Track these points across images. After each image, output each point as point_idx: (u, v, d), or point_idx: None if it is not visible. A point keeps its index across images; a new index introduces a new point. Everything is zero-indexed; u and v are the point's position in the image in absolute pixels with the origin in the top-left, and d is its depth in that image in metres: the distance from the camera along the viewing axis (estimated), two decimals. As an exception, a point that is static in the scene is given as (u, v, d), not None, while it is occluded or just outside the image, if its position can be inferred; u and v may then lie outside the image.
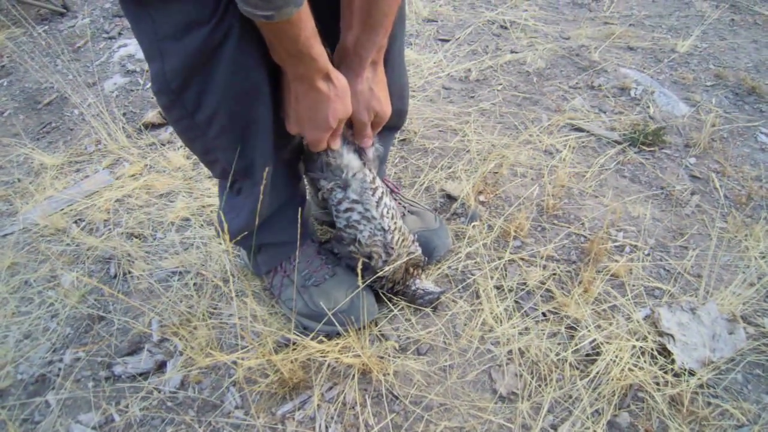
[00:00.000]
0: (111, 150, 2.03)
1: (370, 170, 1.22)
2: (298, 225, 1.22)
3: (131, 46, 2.72)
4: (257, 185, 1.13)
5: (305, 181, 1.39)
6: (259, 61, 0.97)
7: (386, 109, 1.14)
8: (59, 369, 1.32)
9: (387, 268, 1.25)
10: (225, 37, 0.91)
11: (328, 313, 1.22)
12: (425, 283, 1.35)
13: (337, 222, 1.25)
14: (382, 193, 1.24)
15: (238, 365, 1.21)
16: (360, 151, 1.20)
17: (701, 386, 1.19)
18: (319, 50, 0.92)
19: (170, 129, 2.11)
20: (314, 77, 0.96)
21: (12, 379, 1.32)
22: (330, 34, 1.02)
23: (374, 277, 1.26)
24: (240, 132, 1.07)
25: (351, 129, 1.17)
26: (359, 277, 1.17)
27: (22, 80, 2.61)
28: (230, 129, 1.06)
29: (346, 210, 1.21)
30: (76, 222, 1.73)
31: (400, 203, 1.48)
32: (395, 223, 1.26)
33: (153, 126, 2.15)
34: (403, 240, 1.27)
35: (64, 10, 3.14)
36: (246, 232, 1.22)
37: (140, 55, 2.62)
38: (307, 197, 1.40)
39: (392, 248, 1.24)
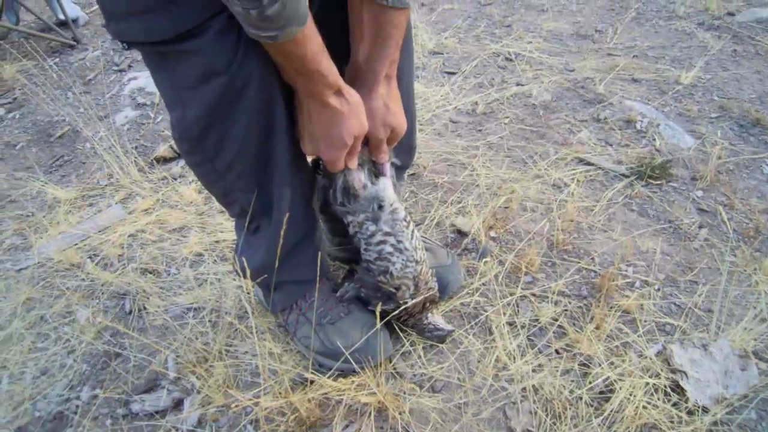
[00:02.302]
0: (123, 184, 2.06)
1: (402, 205, 1.23)
2: (318, 263, 1.24)
3: (141, 79, 2.77)
4: (275, 223, 1.15)
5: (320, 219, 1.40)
6: (278, 100, 1.00)
7: (402, 123, 1.13)
8: (77, 406, 1.33)
9: (410, 302, 1.25)
10: (245, 84, 0.94)
11: (345, 352, 1.23)
12: (437, 318, 1.37)
13: (367, 254, 1.24)
14: (414, 226, 1.25)
15: (257, 406, 1.22)
16: (379, 169, 1.20)
17: (715, 424, 1.20)
18: (327, 66, 0.92)
19: (181, 163, 2.14)
20: (325, 94, 0.95)
21: (30, 416, 1.33)
22: (340, 51, 1.03)
23: (397, 310, 1.26)
24: (258, 172, 1.09)
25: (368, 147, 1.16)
26: (377, 318, 1.19)
27: (34, 113, 2.65)
28: (250, 171, 1.08)
29: (379, 243, 1.20)
30: (90, 257, 1.75)
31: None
32: (423, 254, 1.27)
33: (164, 160, 2.18)
34: (428, 272, 1.28)
35: (75, 43, 3.19)
36: (266, 275, 1.23)
37: (150, 88, 2.67)
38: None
39: (421, 280, 1.25)
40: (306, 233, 1.27)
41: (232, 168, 1.07)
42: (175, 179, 2.07)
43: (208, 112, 0.97)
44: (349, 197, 1.18)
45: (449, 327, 1.37)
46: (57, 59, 3.07)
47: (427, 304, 1.32)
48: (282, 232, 1.11)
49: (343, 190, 1.18)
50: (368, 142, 1.14)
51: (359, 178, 1.15)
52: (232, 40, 0.88)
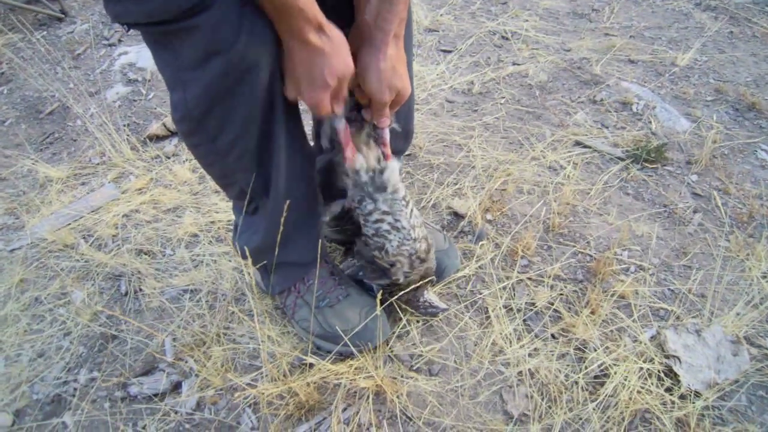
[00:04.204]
0: (116, 163, 2.03)
1: (402, 184, 1.22)
2: (318, 246, 1.24)
3: (132, 54, 2.71)
4: (274, 203, 1.15)
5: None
6: (278, 74, 0.98)
7: (407, 86, 1.09)
8: (74, 389, 1.34)
9: (402, 280, 1.26)
10: (249, 61, 0.92)
11: (343, 336, 1.24)
12: (432, 296, 1.38)
13: (365, 229, 1.24)
14: (413, 205, 1.25)
15: (258, 393, 1.23)
16: (378, 134, 1.17)
17: (707, 408, 1.22)
18: (306, 0, 0.87)
19: (175, 141, 2.12)
20: (305, 29, 0.90)
21: (28, 399, 1.33)
22: (345, 13, 1.02)
23: (396, 296, 1.27)
24: (259, 152, 1.08)
25: (358, 109, 1.13)
26: (377, 302, 1.19)
27: (22, 88, 2.60)
28: (250, 151, 1.07)
29: (377, 221, 1.20)
30: (84, 237, 1.74)
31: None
32: (421, 231, 1.27)
33: (157, 138, 2.16)
34: (426, 249, 1.28)
35: (63, 16, 3.12)
36: (265, 261, 1.23)
37: (141, 63, 2.62)
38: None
39: (417, 258, 1.25)
40: (306, 214, 1.27)
41: (233, 148, 1.06)
42: (169, 158, 2.05)
43: (211, 92, 0.96)
44: (352, 180, 1.17)
45: (443, 305, 1.37)
46: (44, 32, 3.00)
47: (422, 283, 1.33)
48: (283, 214, 1.11)
49: (346, 173, 1.17)
50: (370, 105, 1.11)
51: (361, 160, 1.14)
52: (236, 15, 0.87)
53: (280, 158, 1.10)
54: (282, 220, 1.14)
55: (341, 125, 1.11)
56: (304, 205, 1.24)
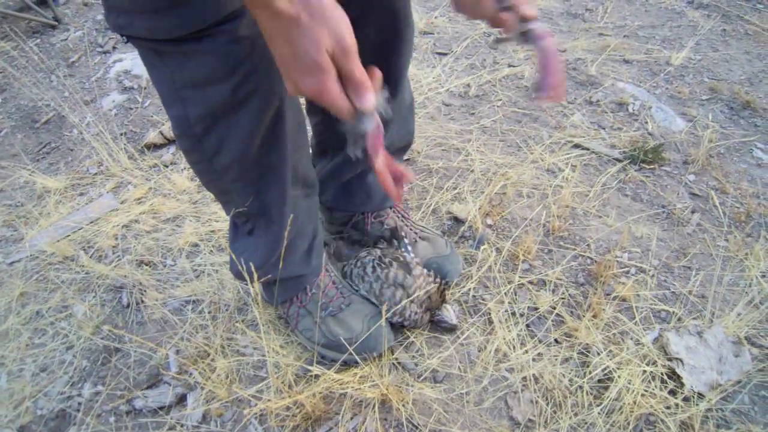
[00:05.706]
0: (114, 172, 2.03)
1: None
2: (321, 258, 1.24)
3: (127, 61, 2.70)
4: (272, 227, 1.15)
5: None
6: (286, 116, 0.98)
7: None
8: (79, 404, 1.33)
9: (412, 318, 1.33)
10: (250, 91, 0.92)
11: (347, 345, 1.24)
12: (443, 313, 1.38)
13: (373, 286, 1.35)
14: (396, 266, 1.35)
15: (261, 401, 1.23)
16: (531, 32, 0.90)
17: (710, 410, 1.23)
18: None
19: (172, 149, 2.12)
20: None
21: (32, 414, 1.33)
22: None
23: (401, 303, 1.30)
24: (257, 179, 1.08)
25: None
26: (383, 316, 1.20)
27: (16, 97, 2.59)
28: (247, 176, 1.07)
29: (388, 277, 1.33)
30: (84, 249, 1.74)
31: (411, 229, 1.51)
32: (426, 279, 1.35)
33: (155, 146, 2.15)
34: (426, 290, 1.34)
35: (56, 23, 3.10)
36: (269, 275, 1.23)
37: (137, 71, 2.61)
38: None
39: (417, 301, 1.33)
40: (306, 231, 1.27)
41: (230, 170, 1.06)
42: (167, 166, 2.04)
43: (212, 112, 0.95)
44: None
45: (455, 321, 1.37)
46: (38, 40, 2.98)
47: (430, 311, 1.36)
48: (285, 233, 1.12)
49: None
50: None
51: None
52: (245, 46, 0.86)
53: (280, 191, 1.10)
54: (285, 233, 1.14)
55: (371, 126, 0.76)
56: (304, 222, 1.24)
